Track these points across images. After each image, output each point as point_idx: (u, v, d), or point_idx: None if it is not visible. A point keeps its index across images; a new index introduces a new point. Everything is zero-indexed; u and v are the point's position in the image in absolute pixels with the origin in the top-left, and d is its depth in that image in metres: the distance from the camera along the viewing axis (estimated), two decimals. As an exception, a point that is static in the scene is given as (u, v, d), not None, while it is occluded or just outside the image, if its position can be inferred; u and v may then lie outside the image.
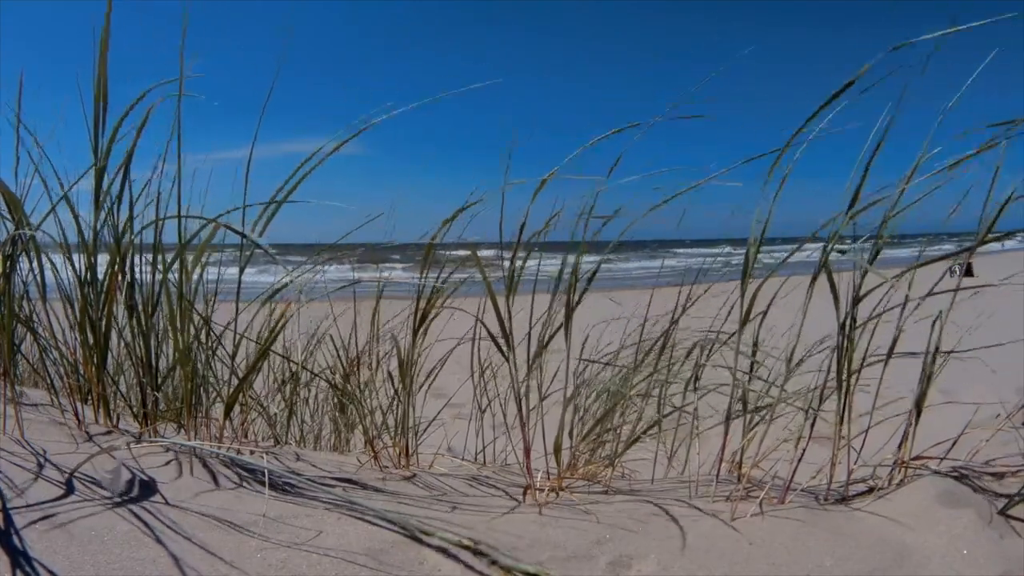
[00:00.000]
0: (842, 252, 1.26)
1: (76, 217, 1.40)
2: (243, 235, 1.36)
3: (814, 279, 1.27)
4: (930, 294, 1.26)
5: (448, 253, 1.48)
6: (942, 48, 1.10)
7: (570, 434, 1.62)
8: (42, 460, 1.16)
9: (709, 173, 1.29)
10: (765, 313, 1.39)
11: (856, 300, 1.26)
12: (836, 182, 1.28)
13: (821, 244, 1.28)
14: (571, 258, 1.39)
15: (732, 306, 1.40)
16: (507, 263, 1.33)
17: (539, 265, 1.39)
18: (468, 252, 1.34)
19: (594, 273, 1.43)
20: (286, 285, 1.54)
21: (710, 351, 1.57)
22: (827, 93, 1.17)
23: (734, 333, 1.34)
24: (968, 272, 1.27)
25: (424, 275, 1.45)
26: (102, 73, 1.31)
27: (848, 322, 1.26)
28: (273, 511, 1.09)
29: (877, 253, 1.28)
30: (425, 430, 1.81)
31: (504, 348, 1.35)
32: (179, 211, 1.37)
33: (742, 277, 1.31)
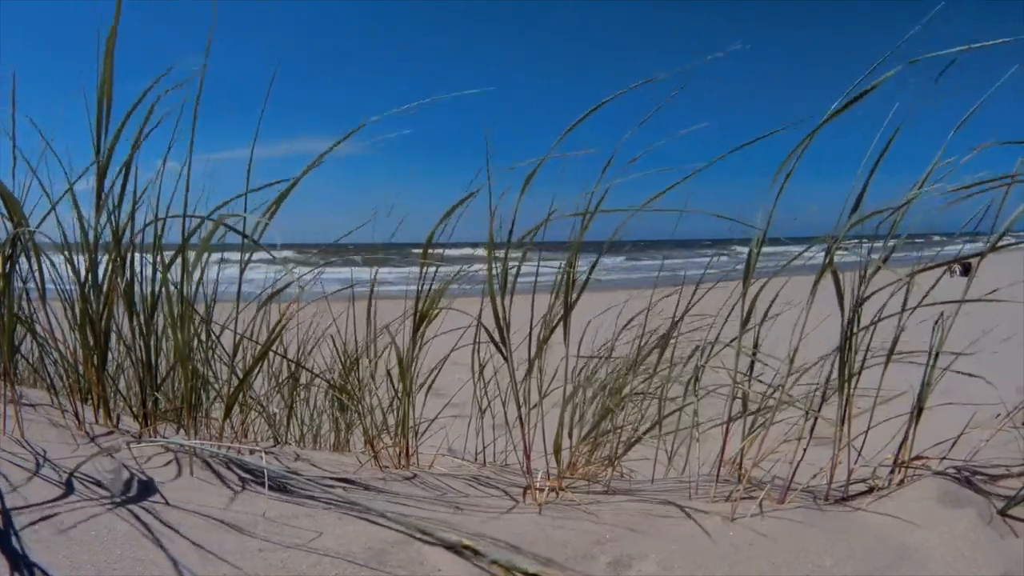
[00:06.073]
0: (846, 250, 1.26)
1: (79, 216, 1.40)
2: (244, 235, 1.37)
3: (816, 282, 1.27)
4: (930, 301, 1.26)
5: (446, 252, 1.48)
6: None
7: (570, 434, 1.61)
8: (42, 460, 1.15)
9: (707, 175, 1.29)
10: (766, 315, 1.39)
11: (859, 302, 1.26)
12: (841, 179, 1.27)
13: (823, 245, 1.27)
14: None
15: (733, 305, 1.40)
16: (510, 263, 1.33)
17: (538, 265, 1.39)
18: (468, 251, 1.34)
19: (592, 272, 1.43)
20: (280, 289, 1.54)
21: (710, 352, 1.57)
22: (826, 91, 1.17)
23: (734, 339, 1.34)
24: (966, 271, 1.27)
25: (423, 275, 1.45)
26: (107, 74, 1.30)
27: (850, 323, 1.26)
28: (273, 511, 1.09)
29: (883, 261, 1.27)
30: (425, 430, 1.81)
31: (503, 349, 1.35)
32: (184, 209, 1.37)
33: (744, 279, 1.31)
